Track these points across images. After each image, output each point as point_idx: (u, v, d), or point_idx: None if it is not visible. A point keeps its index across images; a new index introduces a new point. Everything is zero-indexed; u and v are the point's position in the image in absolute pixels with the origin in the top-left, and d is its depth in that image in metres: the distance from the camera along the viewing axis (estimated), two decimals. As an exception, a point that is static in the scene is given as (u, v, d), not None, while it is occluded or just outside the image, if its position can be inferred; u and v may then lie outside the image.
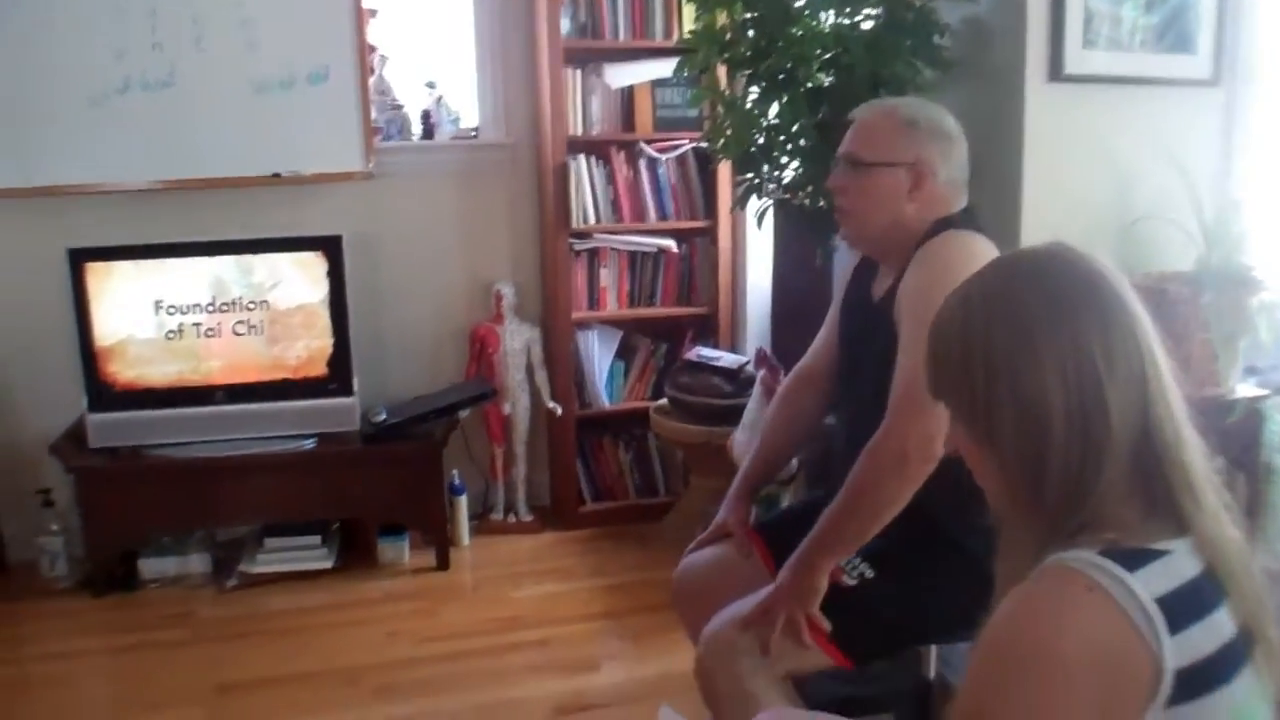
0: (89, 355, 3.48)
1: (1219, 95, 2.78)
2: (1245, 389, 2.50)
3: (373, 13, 3.83)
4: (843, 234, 2.13)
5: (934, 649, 2.21)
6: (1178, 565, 1.09)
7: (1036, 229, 2.64)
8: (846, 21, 2.77)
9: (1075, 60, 2.61)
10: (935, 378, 1.22)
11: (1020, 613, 1.09)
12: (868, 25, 2.78)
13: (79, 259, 3.44)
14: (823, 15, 2.79)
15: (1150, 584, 1.06)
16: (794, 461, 3.17)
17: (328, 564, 3.63)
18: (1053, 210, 2.65)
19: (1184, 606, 1.07)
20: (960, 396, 1.19)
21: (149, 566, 3.60)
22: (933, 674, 2.21)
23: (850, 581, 1.94)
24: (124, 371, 3.52)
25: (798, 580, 1.88)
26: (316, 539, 3.64)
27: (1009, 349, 1.13)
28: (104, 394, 3.50)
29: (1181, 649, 1.05)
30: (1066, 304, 1.14)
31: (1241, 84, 2.78)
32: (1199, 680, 1.06)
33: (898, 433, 1.80)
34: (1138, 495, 1.12)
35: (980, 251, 1.87)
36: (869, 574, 1.94)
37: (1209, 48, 2.73)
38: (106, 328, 3.49)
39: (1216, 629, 1.09)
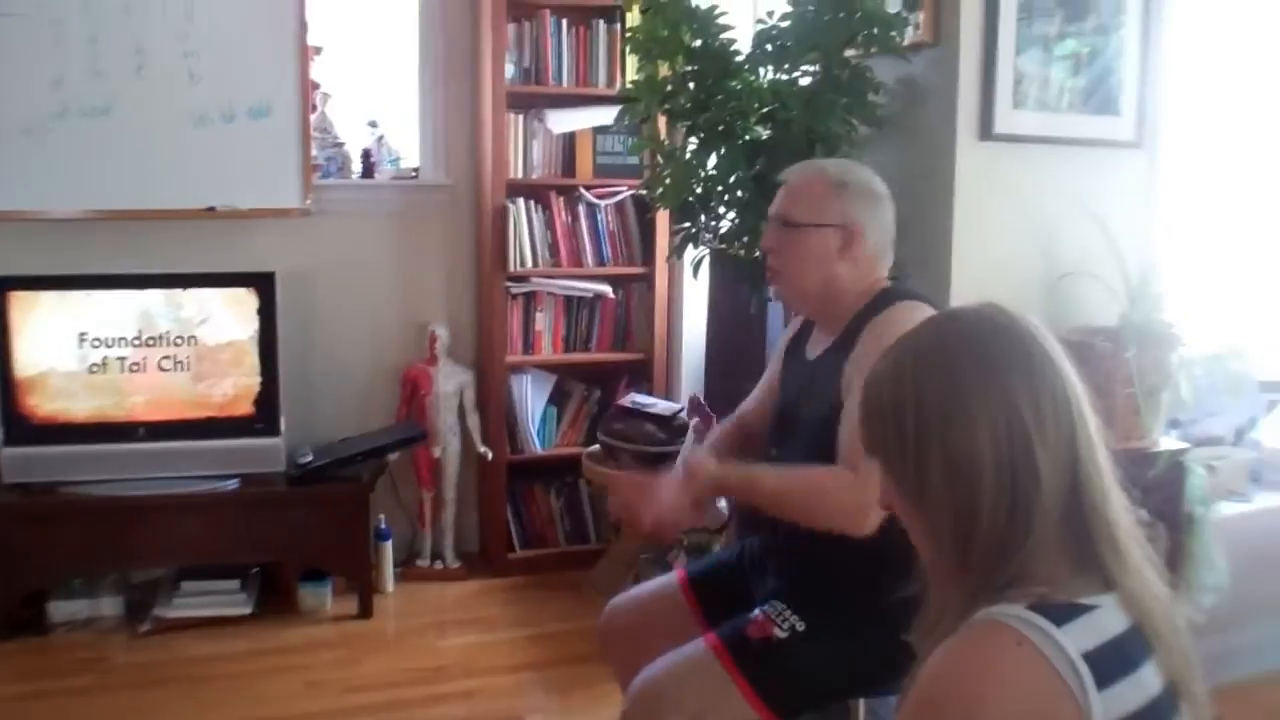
0: (7, 387, 3.38)
1: (1142, 156, 2.87)
2: (1167, 442, 2.57)
3: (317, 50, 3.81)
4: (775, 293, 2.17)
5: (862, 702, 2.20)
6: (1105, 621, 1.10)
7: (966, 283, 2.68)
8: (784, 78, 2.82)
9: (1005, 120, 2.68)
10: (868, 434, 1.23)
11: (948, 667, 1.09)
12: (805, 82, 2.83)
13: (3, 287, 3.36)
14: (761, 71, 2.84)
15: (1078, 639, 1.06)
16: (725, 508, 3.17)
17: (246, 609, 3.53)
18: (982, 264, 2.70)
19: (1111, 662, 1.07)
20: (891, 453, 1.19)
21: (59, 609, 3.47)
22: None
23: (781, 634, 1.92)
24: (44, 405, 3.43)
25: (706, 485, 2.01)
26: (235, 583, 3.54)
27: (940, 407, 1.14)
28: (21, 427, 3.40)
29: (1109, 704, 1.05)
30: (997, 362, 1.15)
31: (1163, 146, 2.88)
32: None
33: (856, 492, 1.76)
34: (1066, 551, 1.13)
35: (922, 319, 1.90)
36: (799, 627, 1.93)
37: (1132, 111, 2.83)
38: (28, 359, 3.40)
39: (1143, 684, 1.10)
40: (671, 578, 2.26)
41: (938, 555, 1.18)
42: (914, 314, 1.89)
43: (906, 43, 2.74)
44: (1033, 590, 1.10)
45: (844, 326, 1.98)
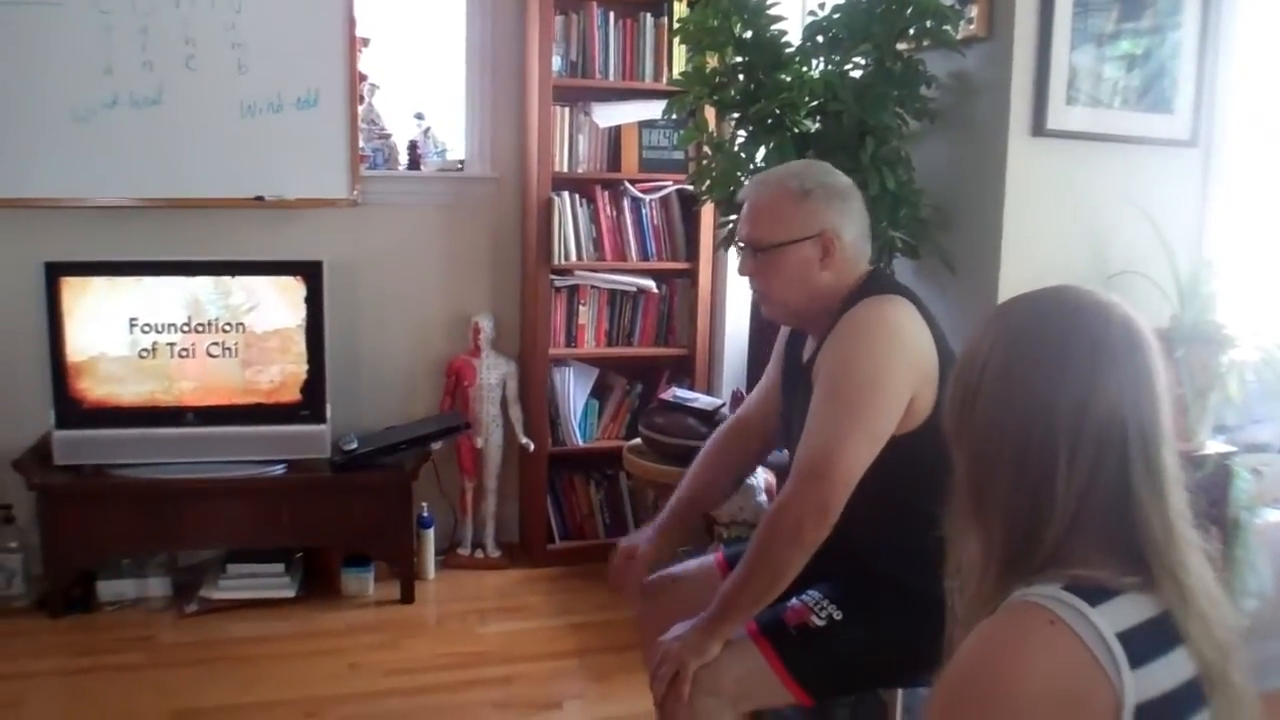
0: (60, 371, 3.43)
1: (1196, 155, 2.83)
2: (1214, 445, 2.53)
3: (365, 41, 3.85)
4: (765, 313, 2.14)
5: (899, 694, 2.20)
6: (1141, 601, 1.10)
7: (1015, 278, 2.67)
8: (835, 70, 2.80)
9: (1058, 116, 2.65)
10: (949, 405, 1.24)
11: (982, 647, 1.10)
12: (856, 74, 2.81)
13: (55, 273, 3.40)
14: (813, 63, 2.82)
15: (1112, 618, 1.07)
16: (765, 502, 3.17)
17: (290, 593, 3.58)
18: (1031, 261, 2.68)
19: (1145, 641, 1.07)
20: (963, 417, 1.21)
21: (108, 588, 3.54)
22: (898, 718, 2.20)
23: (819, 622, 1.94)
24: (94, 389, 3.48)
25: (696, 641, 1.88)
26: (280, 567, 3.59)
27: (1015, 372, 1.16)
28: (72, 411, 3.45)
29: (1142, 684, 1.05)
30: (1083, 343, 1.15)
31: (1218, 145, 2.83)
32: (1158, 716, 1.06)
33: (796, 501, 1.81)
34: (1111, 537, 1.13)
35: (891, 314, 1.91)
36: (837, 616, 1.94)
37: (1187, 109, 2.79)
38: (79, 343, 3.45)
39: (1176, 667, 1.09)
40: (709, 558, 2.27)
41: (985, 534, 1.19)
42: (881, 307, 1.91)
43: (960, 36, 2.72)
44: (1069, 572, 1.10)
45: (829, 327, 1.96)
